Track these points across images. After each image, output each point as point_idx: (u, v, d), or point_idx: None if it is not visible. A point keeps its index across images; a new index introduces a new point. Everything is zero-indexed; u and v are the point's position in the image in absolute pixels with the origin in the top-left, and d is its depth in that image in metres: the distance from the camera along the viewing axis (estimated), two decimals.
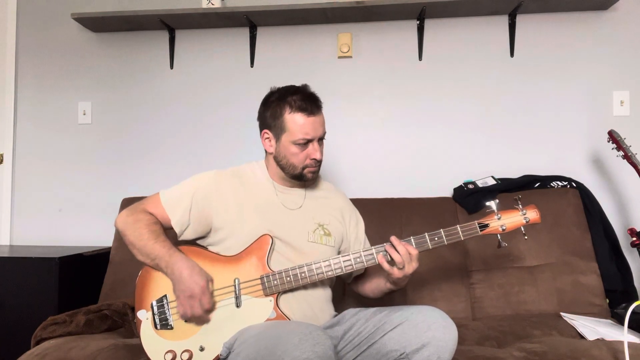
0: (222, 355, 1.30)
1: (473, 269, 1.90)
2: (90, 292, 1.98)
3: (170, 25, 2.34)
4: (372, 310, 1.37)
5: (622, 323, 1.46)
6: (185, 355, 1.31)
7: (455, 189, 2.09)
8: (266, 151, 1.50)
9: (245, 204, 1.44)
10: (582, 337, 1.57)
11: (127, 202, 2.01)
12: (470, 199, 2.00)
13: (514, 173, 2.13)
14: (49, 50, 2.48)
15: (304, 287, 1.38)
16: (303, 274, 1.35)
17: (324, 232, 1.47)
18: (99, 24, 2.34)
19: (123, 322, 1.71)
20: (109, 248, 2.07)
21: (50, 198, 2.44)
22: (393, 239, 1.32)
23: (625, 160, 1.89)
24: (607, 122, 2.14)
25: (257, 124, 1.51)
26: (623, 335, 1.33)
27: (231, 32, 2.37)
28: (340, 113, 2.28)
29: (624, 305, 1.78)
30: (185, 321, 1.34)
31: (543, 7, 2.15)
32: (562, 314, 1.74)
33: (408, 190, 2.17)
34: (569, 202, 1.95)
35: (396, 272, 1.31)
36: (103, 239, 2.27)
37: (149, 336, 1.35)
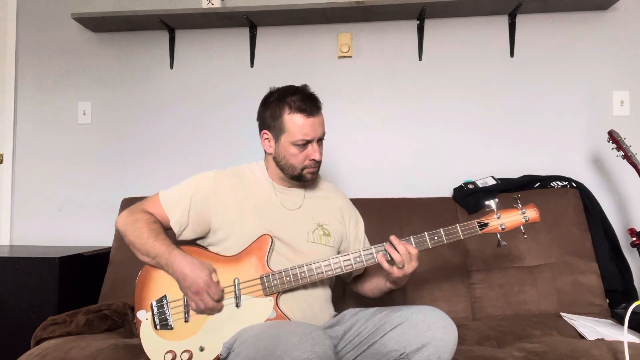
0: (222, 355, 1.30)
1: (473, 269, 1.90)
2: (90, 292, 1.98)
3: (170, 25, 2.34)
4: (372, 310, 1.37)
5: (622, 323, 1.46)
6: (185, 356, 1.31)
7: (455, 189, 2.09)
8: (265, 152, 1.50)
9: (244, 204, 1.44)
10: (582, 337, 1.57)
11: (127, 202, 2.01)
12: (470, 199, 2.00)
13: (514, 173, 2.13)
14: (49, 50, 2.48)
15: (304, 287, 1.39)
16: (303, 274, 1.35)
17: (323, 232, 1.47)
18: (99, 24, 2.34)
19: (123, 322, 1.71)
20: (109, 248, 2.07)
21: (50, 198, 2.45)
22: (393, 238, 1.32)
23: (625, 160, 1.89)
24: (607, 122, 2.14)
25: (257, 124, 1.50)
26: (623, 335, 1.33)
27: (231, 32, 2.37)
28: (340, 113, 2.28)
29: (624, 305, 1.78)
30: (200, 313, 1.34)
31: (543, 7, 2.15)
32: (562, 314, 1.74)
33: (408, 190, 2.17)
34: (569, 202, 1.95)
35: (396, 272, 1.31)
36: (103, 239, 2.27)
37: (148, 336, 1.35)
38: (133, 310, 1.50)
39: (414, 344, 1.19)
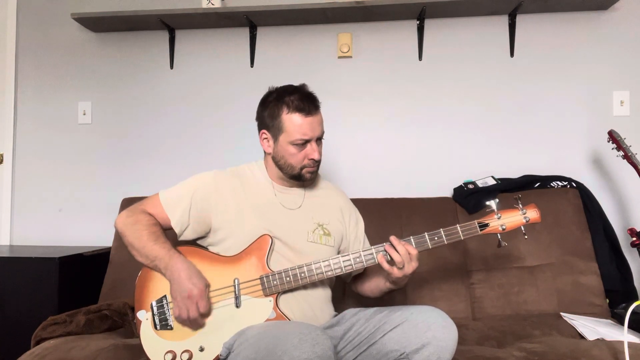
0: (221, 355, 1.30)
1: (473, 269, 1.90)
2: (90, 292, 1.98)
3: (170, 25, 2.34)
4: (372, 310, 1.37)
5: (622, 323, 1.46)
6: (185, 356, 1.31)
7: (455, 189, 2.09)
8: (265, 151, 1.50)
9: (244, 204, 1.44)
10: (582, 337, 1.57)
11: (127, 202, 2.01)
12: (470, 199, 2.00)
13: (514, 173, 2.13)
14: (49, 50, 2.48)
15: (304, 287, 1.38)
16: (303, 274, 1.35)
17: (323, 232, 1.47)
18: (99, 24, 2.34)
19: (123, 322, 1.71)
20: (109, 248, 2.07)
21: (50, 198, 2.45)
22: (393, 238, 1.31)
23: (625, 160, 1.89)
24: (607, 122, 2.14)
25: (256, 124, 1.50)
26: (623, 335, 1.33)
27: (231, 32, 2.37)
28: (340, 113, 2.28)
29: (624, 305, 1.78)
30: (180, 322, 1.33)
31: (543, 7, 2.15)
32: (562, 314, 1.74)
33: (408, 190, 2.17)
34: (569, 202, 1.95)
35: (396, 272, 1.31)
36: (103, 239, 2.27)
37: (148, 336, 1.35)
38: (133, 310, 1.50)
39: (414, 344, 1.19)
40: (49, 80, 2.47)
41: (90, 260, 2.06)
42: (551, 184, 2.05)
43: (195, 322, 1.32)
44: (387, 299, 1.55)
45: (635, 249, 1.87)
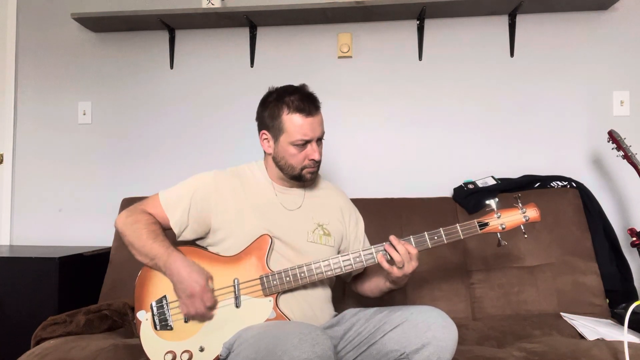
0: (221, 355, 1.30)
1: (473, 269, 1.90)
2: (90, 292, 1.98)
3: (170, 25, 2.34)
4: (372, 310, 1.37)
5: (622, 323, 1.46)
6: (185, 356, 1.31)
7: (455, 189, 2.09)
8: (265, 152, 1.50)
9: (244, 205, 1.43)
10: (582, 337, 1.57)
11: (127, 202, 2.01)
12: (470, 199, 2.00)
13: (514, 173, 2.13)
14: (49, 50, 2.48)
15: (304, 287, 1.38)
16: (302, 274, 1.35)
17: (323, 232, 1.47)
18: (99, 24, 2.34)
19: (123, 322, 1.71)
20: (109, 248, 2.07)
21: (50, 198, 2.45)
22: (392, 238, 1.31)
23: (625, 160, 1.89)
24: (607, 122, 2.14)
25: (256, 124, 1.50)
26: (623, 335, 1.33)
27: (231, 32, 2.37)
28: (340, 113, 2.28)
29: (624, 305, 1.78)
30: (188, 320, 1.34)
31: (543, 7, 2.15)
32: (562, 314, 1.74)
33: (408, 190, 2.17)
34: (569, 202, 1.95)
35: (396, 272, 1.31)
36: (103, 239, 2.27)
37: (148, 337, 1.35)
38: (133, 310, 1.50)
39: (414, 344, 1.19)
40: (49, 80, 2.47)
41: (90, 260, 2.06)
42: (551, 184, 2.05)
43: (204, 316, 1.33)
44: (387, 299, 1.55)
45: (635, 249, 1.87)
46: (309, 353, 1.06)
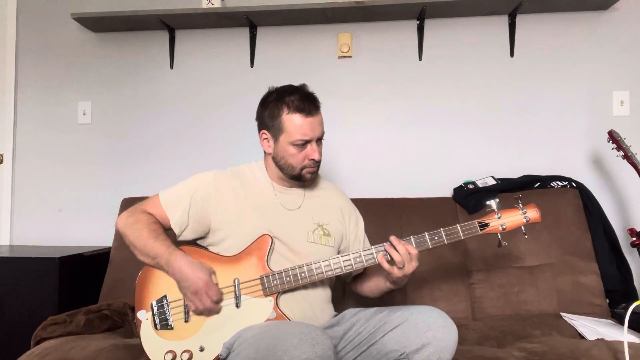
0: (221, 355, 1.30)
1: (473, 269, 1.90)
2: (90, 292, 1.98)
3: (170, 25, 2.34)
4: (372, 310, 1.37)
5: (622, 323, 1.46)
6: (185, 356, 1.31)
7: (455, 189, 2.09)
8: (265, 152, 1.50)
9: (244, 205, 1.44)
10: (582, 337, 1.57)
11: (127, 202, 2.01)
12: (470, 198, 2.00)
13: (514, 173, 2.13)
14: (49, 50, 2.48)
15: (304, 287, 1.38)
16: (303, 274, 1.35)
17: (323, 232, 1.47)
18: (99, 24, 2.34)
19: (123, 322, 1.71)
20: (109, 248, 2.07)
21: (50, 198, 2.44)
22: (393, 238, 1.31)
23: (625, 160, 1.89)
24: (607, 122, 2.14)
25: (256, 124, 1.50)
26: (623, 335, 1.33)
27: (231, 32, 2.37)
28: (340, 113, 2.28)
29: (624, 305, 1.78)
30: (197, 316, 1.34)
31: (543, 7, 2.15)
32: (562, 314, 1.74)
33: (408, 190, 2.17)
34: (569, 202, 1.95)
35: (396, 272, 1.31)
36: (103, 239, 2.27)
37: (149, 336, 1.35)
38: (133, 310, 1.50)
39: (414, 344, 1.19)
40: (49, 80, 2.47)
41: (90, 260, 2.06)
42: (551, 184, 2.05)
43: (213, 311, 1.33)
44: (387, 299, 1.55)
45: (635, 249, 1.87)
46: (309, 353, 1.06)
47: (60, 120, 2.45)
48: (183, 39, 2.40)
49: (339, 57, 2.31)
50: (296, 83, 1.47)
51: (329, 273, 1.36)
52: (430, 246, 1.34)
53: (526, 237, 1.38)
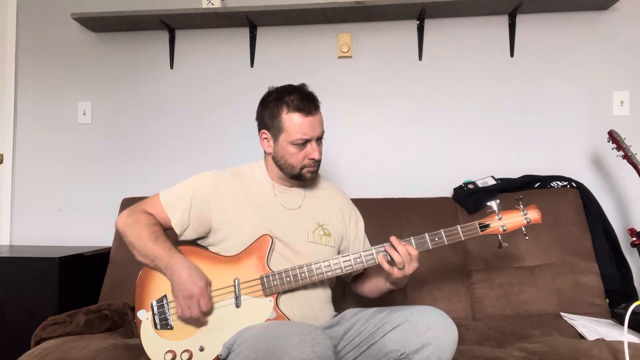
0: (221, 355, 1.30)
1: (473, 269, 1.90)
2: (90, 292, 1.98)
3: (170, 25, 2.34)
4: (372, 310, 1.37)
5: (622, 323, 1.46)
6: (185, 355, 1.31)
7: (455, 189, 2.09)
8: (265, 151, 1.50)
9: (244, 205, 1.44)
10: (582, 337, 1.57)
11: (127, 202, 2.01)
12: (470, 199, 2.00)
13: (514, 173, 2.13)
14: (49, 50, 2.48)
15: (304, 287, 1.38)
16: (303, 274, 1.35)
17: (323, 232, 1.47)
18: (99, 24, 2.34)
19: (123, 322, 1.71)
20: (109, 248, 2.07)
21: (50, 198, 2.44)
22: (393, 239, 1.31)
23: (625, 160, 1.89)
24: (607, 122, 2.14)
25: (256, 124, 1.50)
26: (623, 335, 1.33)
27: (231, 32, 2.37)
28: (340, 113, 2.28)
29: (624, 305, 1.78)
30: (183, 321, 1.34)
31: (543, 7, 2.15)
32: (562, 314, 1.74)
33: (408, 190, 2.17)
34: (569, 202, 1.95)
35: (396, 272, 1.31)
36: (103, 239, 2.27)
37: (149, 336, 1.35)
38: (133, 310, 1.50)
39: (414, 344, 1.19)
40: (49, 80, 2.47)
41: (90, 260, 2.06)
42: (551, 184, 2.05)
43: (198, 321, 1.32)
44: (387, 299, 1.55)
45: (635, 249, 1.87)
46: (308, 353, 1.06)
47: (60, 120, 2.45)
48: (183, 39, 2.40)
49: (339, 57, 2.31)
50: (296, 83, 1.47)
51: (329, 273, 1.36)
52: (431, 247, 1.34)
53: (527, 238, 1.38)
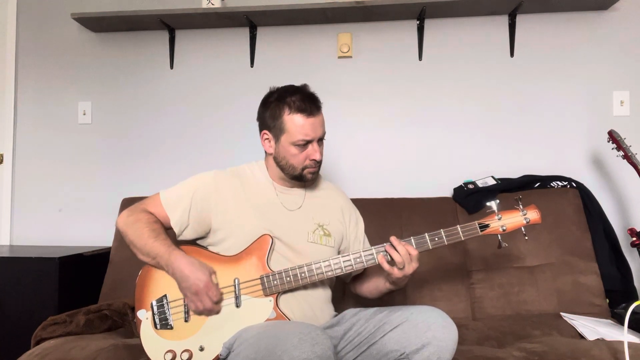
0: (221, 355, 1.30)
1: (473, 269, 1.90)
2: (90, 292, 1.98)
3: (170, 25, 2.34)
4: (372, 310, 1.37)
5: (622, 323, 1.46)
6: (185, 355, 1.31)
7: (455, 189, 2.09)
8: (266, 152, 1.50)
9: (244, 205, 1.44)
10: (582, 337, 1.57)
11: (127, 202, 2.01)
12: (470, 199, 2.00)
13: (514, 173, 2.13)
14: (49, 50, 2.48)
15: (304, 287, 1.38)
16: (303, 274, 1.35)
17: (323, 233, 1.47)
18: (99, 24, 2.34)
19: (123, 322, 1.71)
20: (109, 248, 2.07)
21: (50, 198, 2.44)
22: (393, 239, 1.31)
23: (625, 160, 1.89)
24: (607, 122, 2.14)
25: (257, 124, 1.50)
26: (623, 335, 1.33)
27: (231, 32, 2.37)
28: (340, 113, 2.28)
29: (624, 305, 1.78)
30: (199, 315, 1.34)
31: (543, 7, 2.15)
32: (562, 314, 1.74)
33: (408, 190, 2.17)
34: (569, 202, 1.95)
35: (396, 272, 1.31)
36: (103, 239, 2.27)
37: (148, 336, 1.35)
38: (133, 310, 1.50)
39: (414, 344, 1.19)
40: (49, 80, 2.47)
41: (90, 260, 2.06)
42: (551, 184, 2.05)
43: (213, 311, 1.33)
44: (387, 299, 1.55)
45: (635, 249, 1.87)
46: (308, 353, 1.06)
47: (60, 120, 2.45)
48: (183, 39, 2.40)
49: (339, 57, 2.31)
50: (296, 83, 1.47)
51: (329, 273, 1.36)
52: (431, 247, 1.34)
53: (526, 238, 1.38)
